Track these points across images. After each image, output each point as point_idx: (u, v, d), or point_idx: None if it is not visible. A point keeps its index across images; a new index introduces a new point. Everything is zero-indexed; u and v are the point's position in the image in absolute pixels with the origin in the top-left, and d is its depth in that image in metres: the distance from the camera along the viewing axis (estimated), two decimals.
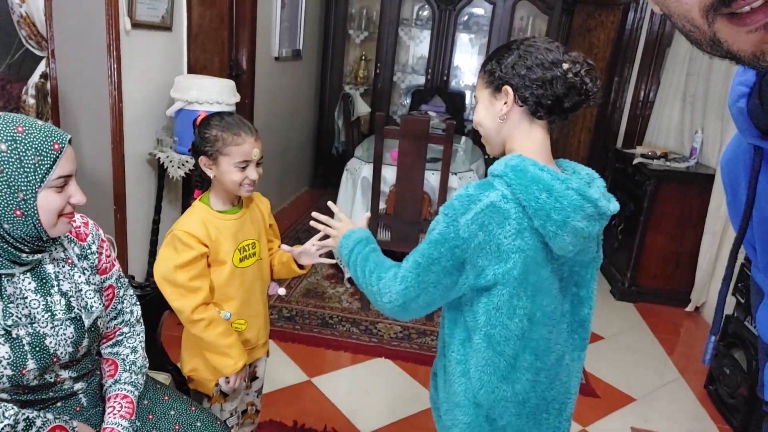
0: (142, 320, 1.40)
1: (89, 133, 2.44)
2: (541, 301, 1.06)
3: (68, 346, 1.16)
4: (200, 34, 3.09)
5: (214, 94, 2.56)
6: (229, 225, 1.49)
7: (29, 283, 1.13)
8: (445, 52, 5.07)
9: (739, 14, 0.53)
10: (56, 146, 1.07)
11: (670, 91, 4.09)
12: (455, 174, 3.15)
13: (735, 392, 2.41)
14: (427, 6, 5.10)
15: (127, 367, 1.32)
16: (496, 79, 1.08)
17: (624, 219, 3.70)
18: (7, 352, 1.08)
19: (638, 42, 4.52)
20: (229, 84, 2.68)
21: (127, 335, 1.36)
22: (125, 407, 1.26)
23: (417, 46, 5.38)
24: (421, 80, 5.28)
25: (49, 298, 1.15)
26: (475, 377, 1.09)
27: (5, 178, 1.02)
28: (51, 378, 1.17)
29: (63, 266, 1.19)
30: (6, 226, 1.04)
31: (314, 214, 1.41)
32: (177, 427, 1.33)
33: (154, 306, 1.60)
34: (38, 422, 1.11)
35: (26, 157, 1.03)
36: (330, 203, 1.49)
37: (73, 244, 1.22)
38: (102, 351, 1.34)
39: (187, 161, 2.59)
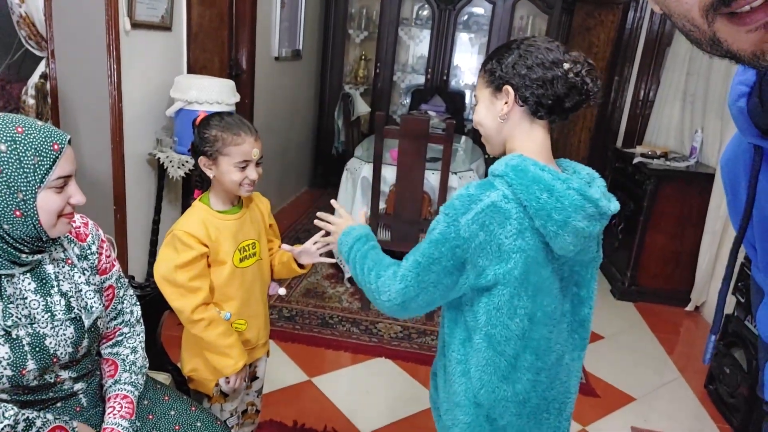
0: (142, 320, 1.40)
1: (89, 133, 2.44)
2: (542, 301, 1.06)
3: (68, 347, 1.16)
4: (200, 34, 3.09)
5: (214, 94, 2.56)
6: (229, 225, 1.49)
7: (29, 284, 1.13)
8: (444, 51, 5.07)
9: (738, 14, 0.53)
10: (56, 146, 1.07)
11: (670, 90, 4.09)
12: (455, 173, 3.15)
13: (735, 392, 2.41)
14: (426, 5, 5.09)
15: (127, 368, 1.32)
16: (496, 78, 1.08)
17: (624, 218, 3.70)
18: (6, 353, 1.08)
19: (638, 41, 4.52)
20: (229, 84, 2.68)
21: (127, 335, 1.36)
22: (125, 407, 1.26)
23: (417, 45, 5.38)
24: (421, 80, 5.28)
25: (48, 299, 1.15)
26: (475, 377, 1.09)
27: (5, 178, 1.02)
28: (51, 378, 1.17)
29: (63, 266, 1.19)
30: (6, 226, 1.04)
31: (319, 214, 1.40)
32: (177, 428, 1.33)
33: (154, 306, 1.60)
34: (38, 422, 1.11)
35: (26, 158, 1.03)
36: (333, 201, 1.48)
37: (72, 245, 1.22)
38: (102, 351, 1.34)
39: (187, 161, 2.59)
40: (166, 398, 1.39)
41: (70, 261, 1.21)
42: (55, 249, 1.19)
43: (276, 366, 2.47)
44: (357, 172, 3.32)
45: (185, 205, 2.91)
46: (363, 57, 5.40)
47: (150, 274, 2.65)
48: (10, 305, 1.10)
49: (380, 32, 5.10)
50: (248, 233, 1.54)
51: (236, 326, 1.54)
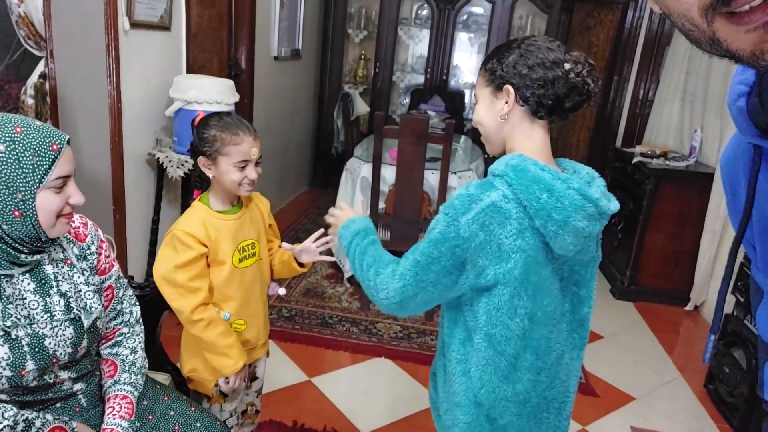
0: (141, 321, 1.40)
1: (88, 133, 2.43)
2: (542, 301, 1.06)
3: (67, 347, 1.16)
4: (199, 34, 3.09)
5: (213, 93, 2.56)
6: (228, 225, 1.49)
7: (28, 284, 1.13)
8: (444, 51, 5.07)
9: (738, 13, 0.53)
10: (55, 147, 1.07)
11: (669, 89, 4.09)
12: (455, 173, 3.15)
13: (735, 391, 2.41)
14: (426, 5, 5.09)
15: (127, 368, 1.32)
16: (497, 78, 1.07)
17: (623, 218, 3.70)
18: (6, 353, 1.08)
19: (637, 41, 4.52)
20: (228, 84, 2.67)
21: (127, 336, 1.35)
22: (125, 408, 1.26)
23: (416, 45, 5.38)
24: (420, 79, 5.28)
25: (48, 299, 1.15)
26: (475, 377, 1.08)
27: (4, 178, 1.02)
28: (50, 379, 1.17)
29: (62, 267, 1.19)
30: (5, 227, 1.04)
31: (330, 210, 1.38)
32: (177, 428, 1.33)
33: (153, 306, 1.60)
34: (37, 423, 1.11)
35: (25, 158, 1.03)
36: (361, 199, 1.45)
37: (72, 245, 1.22)
38: (101, 351, 1.34)
39: (186, 161, 2.59)
40: (166, 398, 1.39)
41: (69, 261, 1.20)
42: (55, 249, 1.18)
43: (275, 366, 2.47)
44: (356, 171, 3.32)
45: (185, 205, 2.91)
46: (362, 57, 5.40)
47: (149, 274, 2.65)
48: (10, 306, 1.10)
49: (379, 32, 5.10)
50: (248, 233, 1.54)
51: (236, 326, 1.54)
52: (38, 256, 1.13)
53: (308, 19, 4.83)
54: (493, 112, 1.09)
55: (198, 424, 1.35)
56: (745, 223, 0.78)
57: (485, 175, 1.09)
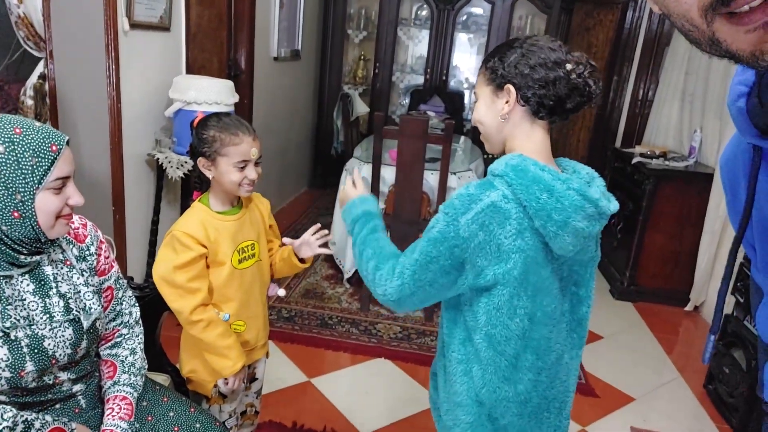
0: (141, 321, 1.40)
1: (88, 134, 2.43)
2: (542, 301, 1.06)
3: (67, 348, 1.16)
4: (199, 34, 3.09)
5: (213, 94, 2.56)
6: (228, 226, 1.49)
7: (27, 285, 1.13)
8: (443, 51, 5.07)
9: (737, 14, 0.53)
10: (54, 148, 1.07)
11: (668, 90, 4.09)
12: (454, 174, 3.15)
13: (734, 391, 2.41)
14: (425, 5, 5.10)
15: (126, 369, 1.31)
16: (498, 77, 1.07)
17: (623, 218, 3.70)
18: (5, 354, 1.08)
19: (637, 41, 4.52)
20: (228, 84, 2.67)
21: (126, 337, 1.35)
22: (124, 409, 1.26)
23: (416, 45, 5.38)
24: (419, 80, 5.28)
25: (47, 300, 1.15)
26: (477, 376, 1.08)
27: (3, 179, 1.02)
28: (50, 380, 1.17)
29: (61, 268, 1.19)
30: (4, 227, 1.04)
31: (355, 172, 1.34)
32: (176, 429, 1.33)
33: (153, 307, 1.60)
34: (37, 424, 1.11)
35: (24, 159, 1.03)
36: (355, 170, 1.40)
37: (71, 246, 1.22)
38: (101, 352, 1.34)
39: (186, 162, 2.59)
40: (165, 399, 1.39)
41: (68, 262, 1.20)
42: (54, 250, 1.18)
43: (275, 367, 2.47)
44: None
45: (184, 206, 2.90)
46: (362, 57, 5.40)
47: (149, 275, 2.65)
48: (9, 307, 1.10)
49: (379, 32, 5.10)
50: (247, 234, 1.54)
51: (235, 327, 1.54)
52: (37, 257, 1.13)
53: (308, 20, 4.83)
54: (493, 111, 1.09)
55: (197, 425, 1.35)
56: (744, 223, 0.78)
57: (485, 175, 1.09)
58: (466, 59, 5.35)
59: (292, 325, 2.91)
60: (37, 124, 1.09)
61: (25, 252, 1.09)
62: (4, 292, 1.09)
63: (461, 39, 5.26)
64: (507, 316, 1.04)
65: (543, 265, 1.04)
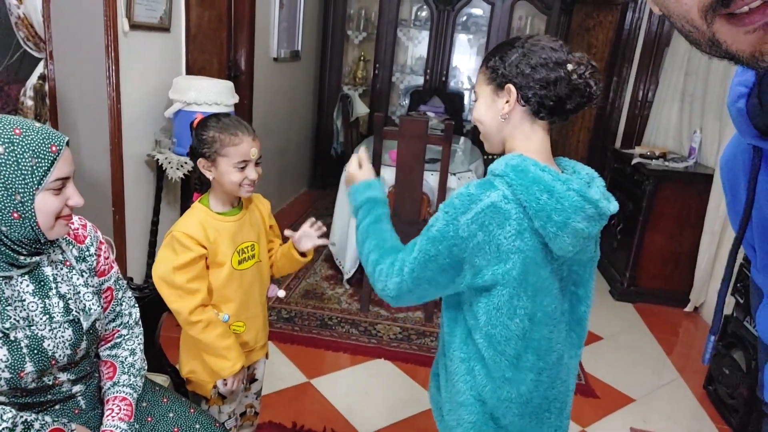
0: (140, 322, 1.40)
1: (87, 135, 2.43)
2: (542, 302, 1.06)
3: (66, 349, 1.16)
4: (198, 35, 3.09)
5: (213, 95, 2.56)
6: (228, 227, 1.49)
7: (27, 286, 1.13)
8: (443, 52, 5.07)
9: (737, 15, 0.53)
10: (54, 148, 1.06)
11: (668, 90, 4.09)
12: (454, 174, 3.15)
13: (734, 392, 2.41)
14: (425, 6, 5.10)
15: (126, 370, 1.31)
16: (498, 76, 1.06)
17: (623, 219, 3.70)
18: (5, 355, 1.08)
19: (637, 42, 4.52)
20: (228, 85, 2.67)
21: (126, 337, 1.35)
22: (124, 410, 1.26)
23: (415, 46, 5.39)
24: (419, 81, 5.28)
25: (47, 301, 1.15)
26: (480, 375, 1.09)
27: (2, 180, 1.02)
28: (49, 380, 1.17)
29: (61, 269, 1.19)
30: (3, 228, 1.04)
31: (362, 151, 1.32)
32: (176, 430, 1.33)
33: (152, 308, 1.60)
34: (36, 425, 1.11)
35: (23, 160, 1.03)
36: (362, 150, 1.36)
37: (71, 247, 1.22)
38: (100, 353, 1.34)
39: (185, 162, 2.59)
40: (165, 400, 1.39)
41: (68, 263, 1.20)
42: (54, 251, 1.18)
43: (275, 367, 2.47)
44: None
45: (184, 207, 2.90)
46: (362, 58, 5.40)
47: (149, 275, 2.65)
48: (8, 307, 1.09)
49: (379, 33, 5.10)
50: (247, 235, 1.54)
51: (234, 328, 1.54)
52: (37, 258, 1.13)
53: (308, 21, 4.83)
54: (493, 110, 1.09)
55: (197, 426, 1.35)
56: (744, 224, 0.78)
57: (485, 176, 1.09)
58: (465, 60, 5.35)
59: (292, 326, 2.91)
60: (37, 124, 1.09)
61: (25, 253, 1.09)
62: (4, 293, 1.09)
63: (461, 40, 5.27)
64: (507, 316, 1.04)
65: (542, 265, 1.04)
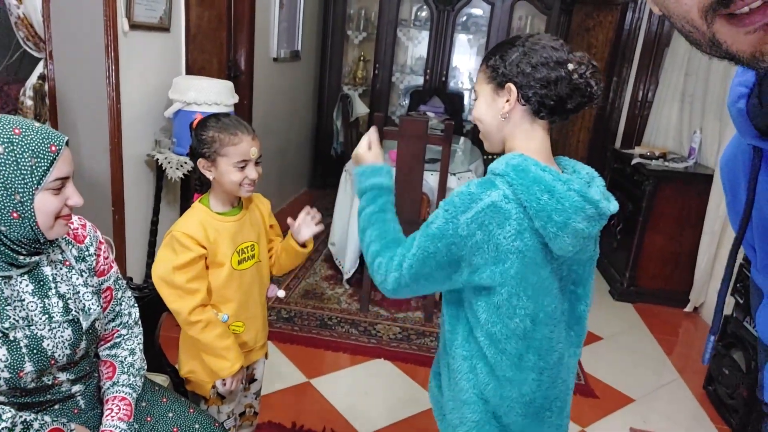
0: (140, 322, 1.40)
1: (87, 135, 2.43)
2: (543, 301, 1.06)
3: (66, 349, 1.16)
4: (198, 35, 3.09)
5: (213, 95, 2.55)
6: (228, 227, 1.49)
7: (26, 286, 1.13)
8: (443, 52, 5.07)
9: (738, 15, 0.53)
10: (53, 148, 1.06)
11: (668, 91, 4.09)
12: (454, 175, 3.15)
13: (734, 393, 2.41)
14: (425, 7, 5.10)
15: (125, 369, 1.31)
16: (499, 75, 1.06)
17: (623, 219, 3.70)
18: (4, 355, 1.08)
19: (637, 42, 4.52)
20: (228, 85, 2.67)
21: (125, 337, 1.35)
22: (123, 409, 1.26)
23: (415, 46, 5.38)
24: (419, 81, 5.28)
25: (46, 301, 1.15)
26: (482, 373, 1.09)
27: (2, 180, 1.02)
28: (49, 380, 1.17)
29: (61, 268, 1.19)
30: (3, 228, 1.04)
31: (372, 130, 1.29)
32: (175, 430, 1.33)
33: (152, 307, 1.60)
34: (36, 425, 1.11)
35: (23, 160, 1.03)
36: (373, 129, 1.32)
37: (70, 246, 1.22)
38: (100, 353, 1.33)
39: (185, 162, 2.59)
40: (164, 400, 1.39)
41: (68, 263, 1.20)
42: (53, 251, 1.18)
43: (274, 367, 2.47)
44: None
45: (184, 207, 2.90)
46: (362, 58, 5.40)
47: (148, 275, 2.65)
48: (8, 307, 1.09)
49: (379, 33, 5.10)
50: (247, 235, 1.54)
51: (234, 328, 1.54)
52: (36, 258, 1.13)
53: (307, 21, 4.83)
54: (494, 110, 1.08)
55: (196, 426, 1.34)
56: (744, 224, 0.78)
57: (485, 175, 1.09)
58: (465, 60, 5.35)
59: (292, 326, 2.91)
60: (37, 124, 1.09)
61: (24, 252, 1.09)
62: (3, 293, 1.09)
63: (461, 40, 5.26)
64: (506, 315, 1.04)
65: (542, 265, 1.04)
